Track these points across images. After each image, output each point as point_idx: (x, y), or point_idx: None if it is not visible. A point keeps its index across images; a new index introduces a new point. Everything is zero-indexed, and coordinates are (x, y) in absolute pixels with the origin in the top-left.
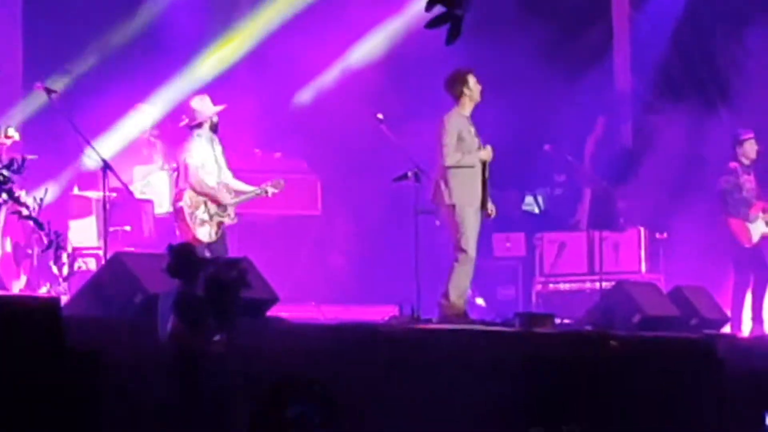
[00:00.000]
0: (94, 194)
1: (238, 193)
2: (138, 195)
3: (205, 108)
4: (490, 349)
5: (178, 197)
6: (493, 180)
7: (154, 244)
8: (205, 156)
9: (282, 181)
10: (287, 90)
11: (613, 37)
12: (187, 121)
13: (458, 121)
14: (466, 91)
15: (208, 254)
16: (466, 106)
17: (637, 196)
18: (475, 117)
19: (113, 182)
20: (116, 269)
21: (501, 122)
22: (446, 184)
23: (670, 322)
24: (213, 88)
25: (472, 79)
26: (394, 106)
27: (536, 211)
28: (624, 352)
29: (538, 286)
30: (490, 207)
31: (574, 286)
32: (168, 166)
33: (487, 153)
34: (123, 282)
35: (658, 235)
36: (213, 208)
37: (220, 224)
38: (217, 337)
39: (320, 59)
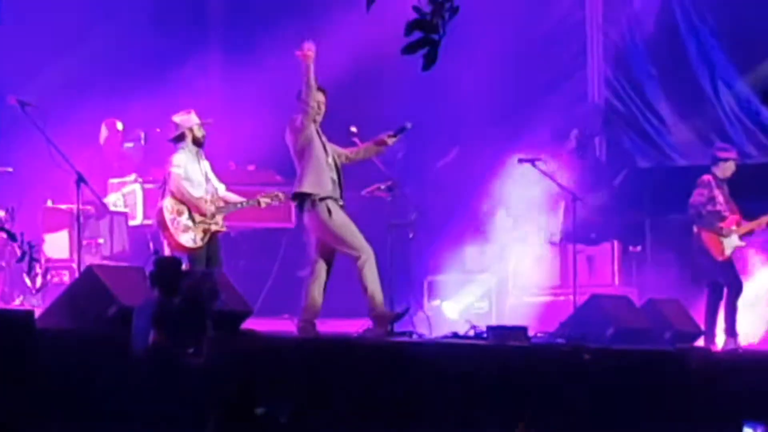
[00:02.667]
0: (69, 207)
1: (227, 203)
2: (112, 207)
3: (184, 120)
4: (463, 362)
5: (159, 205)
6: (468, 192)
7: (127, 257)
8: (190, 168)
9: (281, 194)
10: (261, 102)
11: (586, 50)
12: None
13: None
14: (302, 105)
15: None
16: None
17: (611, 209)
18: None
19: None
20: (90, 282)
21: (474, 134)
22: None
23: (643, 335)
24: (185, 102)
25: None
26: (368, 119)
27: (509, 223)
28: (597, 366)
29: (512, 299)
30: None
31: (548, 299)
32: (141, 179)
33: None
34: (97, 294)
35: (631, 248)
36: (197, 215)
37: (206, 231)
38: (191, 350)
39: (292, 70)
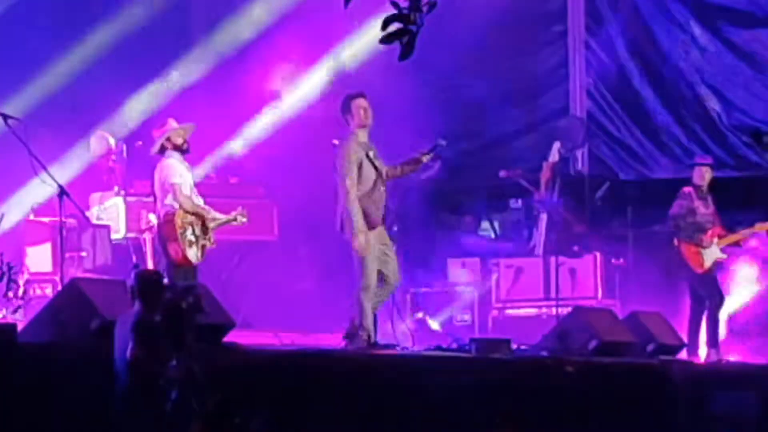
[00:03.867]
0: (51, 220)
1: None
2: (94, 221)
3: (161, 132)
4: (445, 374)
5: (168, 217)
6: (451, 205)
7: (110, 270)
8: (183, 177)
9: (244, 211)
10: (242, 114)
11: (567, 62)
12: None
13: (354, 149)
14: (348, 117)
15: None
16: (357, 132)
17: (593, 222)
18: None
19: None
20: (73, 295)
21: (457, 148)
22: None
23: (626, 347)
24: (168, 113)
25: (354, 105)
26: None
27: (492, 236)
28: (580, 378)
29: (494, 312)
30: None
31: (531, 311)
32: (123, 192)
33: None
34: (80, 308)
35: (614, 261)
36: (198, 230)
37: (203, 247)
38: (173, 362)
39: (276, 82)
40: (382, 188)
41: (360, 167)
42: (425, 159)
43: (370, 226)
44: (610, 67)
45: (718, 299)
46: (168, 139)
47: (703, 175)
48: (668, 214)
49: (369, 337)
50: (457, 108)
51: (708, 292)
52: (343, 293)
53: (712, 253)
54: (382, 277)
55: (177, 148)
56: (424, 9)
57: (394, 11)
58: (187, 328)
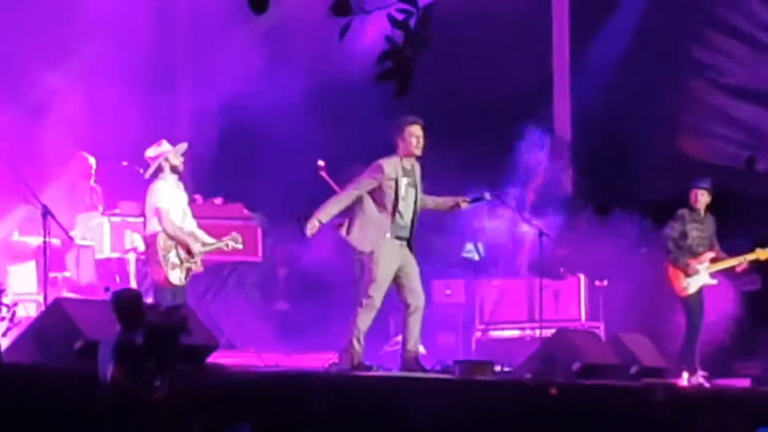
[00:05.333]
0: (35, 239)
1: (203, 243)
2: (79, 241)
3: (158, 153)
4: (429, 396)
5: (150, 240)
6: (434, 227)
7: (94, 291)
8: (172, 201)
9: (240, 237)
10: (227, 134)
11: (552, 85)
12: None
13: (386, 170)
14: (398, 140)
15: (169, 298)
16: (401, 157)
17: (578, 244)
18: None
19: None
20: (57, 315)
21: (441, 169)
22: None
23: (609, 370)
24: (151, 133)
25: (408, 131)
26: (335, 151)
27: (476, 258)
28: (564, 400)
29: (478, 334)
30: None
31: (514, 333)
32: (109, 212)
33: None
34: (63, 328)
35: (597, 283)
36: (183, 253)
37: (188, 270)
38: (156, 383)
39: (260, 101)
40: (397, 215)
41: (380, 188)
42: (464, 206)
43: (370, 248)
44: (595, 88)
45: (696, 324)
46: (166, 160)
47: (698, 198)
48: (660, 235)
49: (353, 357)
50: (442, 127)
51: (687, 316)
52: (320, 314)
53: (699, 279)
54: (408, 290)
55: (174, 169)
56: (421, 44)
57: None
58: (170, 348)
